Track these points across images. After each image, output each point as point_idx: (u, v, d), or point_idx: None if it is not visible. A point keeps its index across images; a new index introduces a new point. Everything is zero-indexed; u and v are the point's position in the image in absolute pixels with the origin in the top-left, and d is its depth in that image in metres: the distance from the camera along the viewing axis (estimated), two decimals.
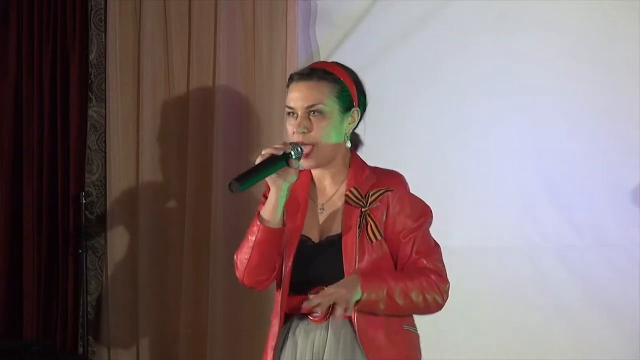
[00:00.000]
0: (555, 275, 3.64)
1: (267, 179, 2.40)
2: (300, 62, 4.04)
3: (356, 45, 3.94)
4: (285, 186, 2.41)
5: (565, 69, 3.63)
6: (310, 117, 2.46)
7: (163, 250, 4.26)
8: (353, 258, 2.43)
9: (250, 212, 4.07)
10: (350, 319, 2.43)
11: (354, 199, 2.47)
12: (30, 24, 4.44)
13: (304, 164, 2.47)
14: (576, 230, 3.62)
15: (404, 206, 2.47)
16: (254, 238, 2.44)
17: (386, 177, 2.51)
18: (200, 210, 4.19)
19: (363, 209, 2.45)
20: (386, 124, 3.82)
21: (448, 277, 2.48)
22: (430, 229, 2.50)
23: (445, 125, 3.80)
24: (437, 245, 2.51)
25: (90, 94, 4.36)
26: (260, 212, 2.46)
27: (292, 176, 2.41)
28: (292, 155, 2.39)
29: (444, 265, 2.50)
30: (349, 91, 2.51)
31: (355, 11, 3.95)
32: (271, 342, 2.52)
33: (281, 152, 2.38)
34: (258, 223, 2.44)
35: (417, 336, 2.55)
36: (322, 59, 4.02)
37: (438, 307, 2.48)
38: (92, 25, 4.35)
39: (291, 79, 2.52)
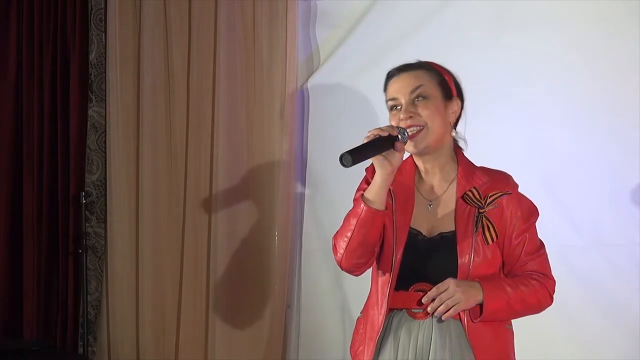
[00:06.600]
0: (555, 275, 3.62)
1: (373, 160, 2.40)
2: (301, 62, 4.04)
3: (356, 45, 3.94)
4: (390, 168, 2.40)
5: (564, 69, 3.62)
6: (415, 102, 2.48)
7: (163, 250, 4.26)
8: (468, 258, 2.44)
9: (250, 212, 4.12)
10: (459, 317, 2.44)
11: (474, 199, 2.48)
12: (30, 24, 4.45)
13: (410, 147, 2.47)
14: (576, 230, 3.61)
15: (517, 209, 2.51)
16: (356, 220, 2.43)
17: (499, 178, 2.54)
18: (200, 210, 4.19)
19: (481, 210, 2.47)
20: (386, 124, 3.81)
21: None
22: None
23: None
24: (542, 244, 2.56)
25: (90, 94, 4.37)
26: (365, 194, 2.45)
27: (397, 159, 2.41)
28: (398, 138, 2.39)
29: (549, 264, 2.57)
30: (447, 81, 2.54)
31: (355, 11, 3.95)
32: (371, 333, 2.49)
33: (386, 134, 2.38)
34: (362, 204, 2.43)
35: (513, 333, 2.57)
36: (322, 59, 4.03)
37: (547, 306, 2.56)
38: (92, 25, 4.36)
39: (390, 75, 2.54)
